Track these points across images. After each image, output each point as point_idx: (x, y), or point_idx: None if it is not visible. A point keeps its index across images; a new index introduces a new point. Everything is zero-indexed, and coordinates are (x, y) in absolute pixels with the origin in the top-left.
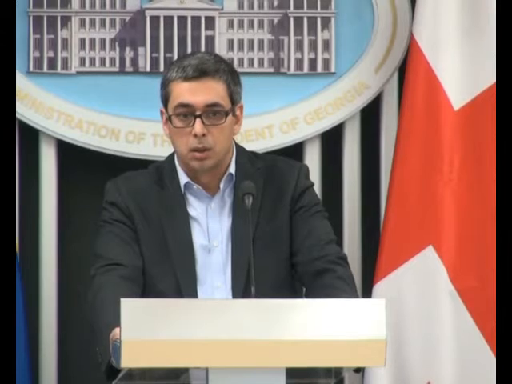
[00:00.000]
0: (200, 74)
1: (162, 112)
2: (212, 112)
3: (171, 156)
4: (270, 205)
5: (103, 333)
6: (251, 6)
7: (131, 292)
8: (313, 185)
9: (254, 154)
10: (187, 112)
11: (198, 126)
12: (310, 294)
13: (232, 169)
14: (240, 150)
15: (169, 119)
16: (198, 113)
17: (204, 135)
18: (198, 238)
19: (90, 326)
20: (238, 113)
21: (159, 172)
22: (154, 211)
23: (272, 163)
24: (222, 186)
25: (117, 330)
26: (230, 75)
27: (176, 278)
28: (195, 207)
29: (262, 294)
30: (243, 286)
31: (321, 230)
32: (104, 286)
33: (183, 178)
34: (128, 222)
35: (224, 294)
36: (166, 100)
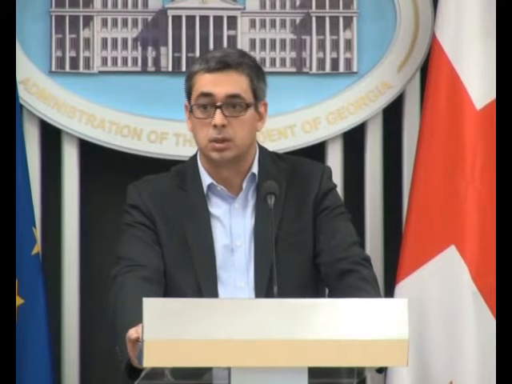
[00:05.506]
0: (223, 65)
1: (186, 106)
2: (232, 104)
3: (194, 157)
4: (293, 205)
5: (122, 332)
6: (273, 6)
7: (152, 293)
8: (336, 186)
9: (276, 154)
10: (208, 102)
11: (218, 117)
12: (334, 295)
13: (255, 169)
14: (262, 150)
15: (191, 110)
16: (218, 103)
17: (224, 126)
18: (221, 238)
19: (111, 326)
20: (261, 110)
21: (181, 174)
22: (175, 213)
23: (295, 164)
24: (244, 185)
25: (131, 329)
26: (253, 70)
27: (196, 279)
28: (218, 207)
29: (285, 295)
30: (266, 286)
31: (344, 232)
32: (125, 286)
33: (206, 179)
34: (150, 224)
35: (247, 294)
36: (189, 92)
